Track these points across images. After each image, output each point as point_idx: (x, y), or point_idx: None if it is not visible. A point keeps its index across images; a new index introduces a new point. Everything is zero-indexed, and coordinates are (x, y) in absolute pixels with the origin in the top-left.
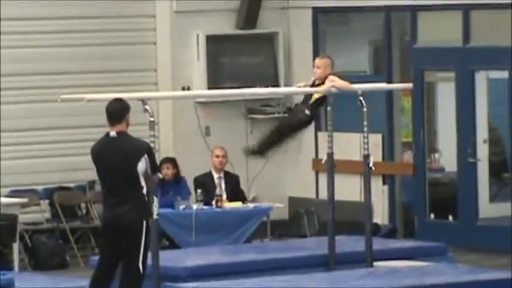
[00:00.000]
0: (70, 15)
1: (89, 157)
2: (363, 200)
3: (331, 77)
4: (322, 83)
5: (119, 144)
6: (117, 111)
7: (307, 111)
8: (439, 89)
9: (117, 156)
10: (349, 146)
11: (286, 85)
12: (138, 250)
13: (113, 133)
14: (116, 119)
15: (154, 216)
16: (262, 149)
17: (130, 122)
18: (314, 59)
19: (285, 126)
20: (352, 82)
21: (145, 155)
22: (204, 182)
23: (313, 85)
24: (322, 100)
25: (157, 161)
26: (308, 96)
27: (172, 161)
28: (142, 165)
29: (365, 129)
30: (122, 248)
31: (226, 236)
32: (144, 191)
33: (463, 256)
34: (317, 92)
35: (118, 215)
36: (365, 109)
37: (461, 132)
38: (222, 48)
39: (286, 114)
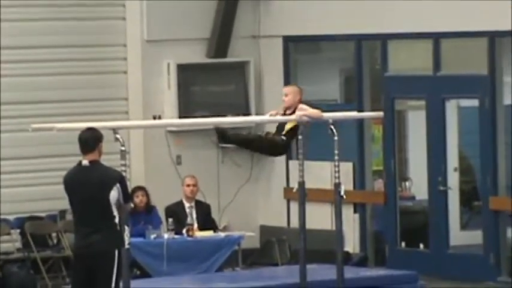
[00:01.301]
0: (39, 45)
1: (60, 186)
2: (334, 228)
3: (301, 106)
4: (293, 112)
5: (91, 173)
6: (90, 140)
7: (283, 137)
8: (409, 117)
9: (90, 185)
10: (320, 174)
11: (257, 114)
12: (110, 279)
13: (85, 162)
14: (89, 148)
15: (126, 246)
16: (231, 139)
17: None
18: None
19: (261, 140)
20: (323, 110)
21: (118, 184)
22: (176, 211)
23: (284, 114)
24: (295, 132)
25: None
26: (281, 127)
27: (143, 190)
28: (114, 194)
29: (336, 157)
30: (93, 277)
31: (197, 265)
32: (116, 220)
33: (434, 284)
34: (288, 121)
35: (90, 244)
36: (336, 138)
37: (432, 160)
38: (193, 77)
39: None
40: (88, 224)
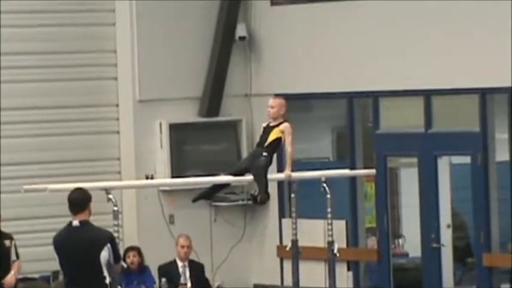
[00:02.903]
0: (30, 106)
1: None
2: (327, 286)
3: (286, 124)
4: (277, 125)
5: (81, 233)
6: (79, 200)
7: (265, 153)
8: (402, 174)
9: (80, 246)
10: (313, 232)
11: None
12: None
13: (75, 222)
14: (78, 208)
15: None
16: (265, 191)
17: (93, 211)
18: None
19: (261, 167)
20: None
21: (108, 244)
22: (169, 271)
23: (267, 126)
24: (277, 144)
25: (121, 250)
26: (264, 137)
27: (135, 250)
28: (105, 255)
29: (329, 215)
30: None
31: None
32: (107, 280)
33: None
34: (277, 179)
35: None
36: (328, 196)
37: (425, 217)
38: (185, 136)
39: (253, 202)
40: (79, 285)
